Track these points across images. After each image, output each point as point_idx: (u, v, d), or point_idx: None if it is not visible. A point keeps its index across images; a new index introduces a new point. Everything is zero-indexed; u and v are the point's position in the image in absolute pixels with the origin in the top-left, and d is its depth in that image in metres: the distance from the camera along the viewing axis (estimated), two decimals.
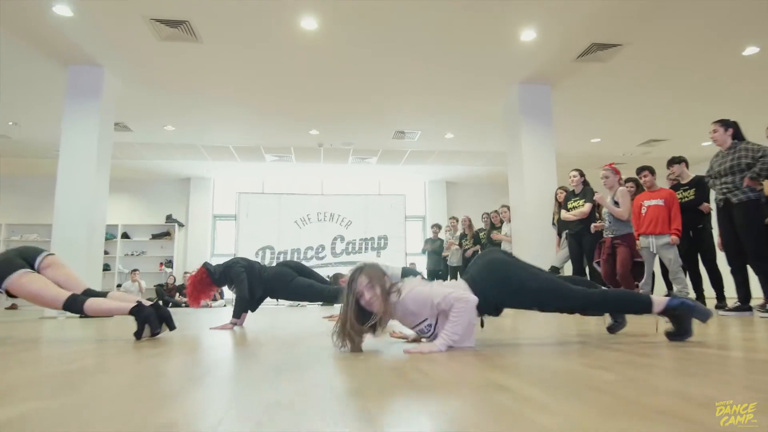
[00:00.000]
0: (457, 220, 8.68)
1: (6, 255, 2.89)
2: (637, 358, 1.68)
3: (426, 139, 9.38)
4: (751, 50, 6.03)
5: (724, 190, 4.13)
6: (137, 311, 2.66)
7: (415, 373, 1.41)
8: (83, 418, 0.96)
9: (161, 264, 11.67)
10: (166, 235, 11.78)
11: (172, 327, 2.75)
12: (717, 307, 4.83)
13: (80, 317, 5.03)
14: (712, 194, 4.84)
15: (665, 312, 2.10)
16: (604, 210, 5.44)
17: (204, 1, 4.83)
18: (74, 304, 2.73)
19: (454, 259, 8.44)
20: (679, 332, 2.09)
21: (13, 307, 10.39)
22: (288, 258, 10.32)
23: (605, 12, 5.16)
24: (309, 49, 5.84)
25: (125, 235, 11.55)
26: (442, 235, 9.18)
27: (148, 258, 11.63)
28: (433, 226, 9.47)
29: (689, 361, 1.61)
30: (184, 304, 10.10)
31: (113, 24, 5.27)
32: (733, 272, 4.28)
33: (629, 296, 2.33)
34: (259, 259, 10.26)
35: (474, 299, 1.99)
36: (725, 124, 4.24)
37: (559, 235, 6.36)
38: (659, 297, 2.14)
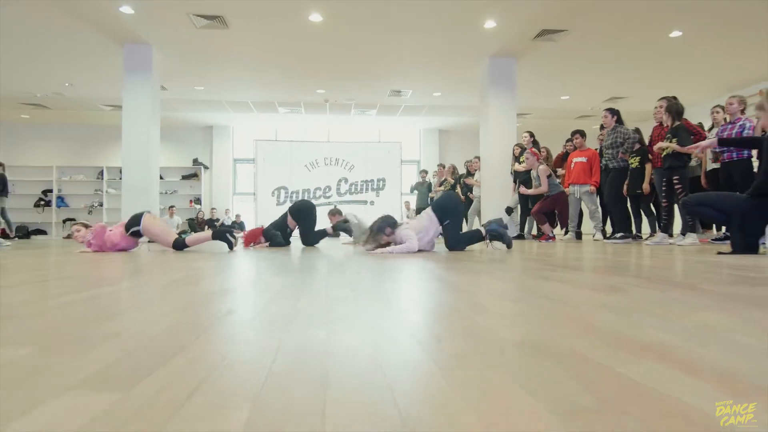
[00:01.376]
0: (444, 167, 10.33)
1: (133, 215, 4.59)
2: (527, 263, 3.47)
3: (417, 96, 10.88)
4: (675, 33, 7.41)
5: (607, 159, 5.79)
6: (218, 236, 4.46)
7: (392, 271, 3.20)
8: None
9: (191, 201, 13.57)
10: (194, 176, 13.60)
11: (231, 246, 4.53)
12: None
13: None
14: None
15: (490, 237, 3.97)
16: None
17: (236, 1, 6.33)
18: (179, 243, 4.47)
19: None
20: (506, 245, 3.99)
21: (69, 236, 12.45)
22: (300, 197, 12.12)
23: (550, 5, 6.53)
24: (317, 29, 7.31)
25: (160, 177, 13.36)
26: (429, 178, 10.90)
27: (180, 196, 13.52)
28: (421, 171, 11.16)
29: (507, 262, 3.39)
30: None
31: (163, 18, 6.79)
32: (612, 211, 6.10)
33: (472, 235, 4.20)
34: (274, 198, 12.13)
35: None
36: (612, 112, 5.84)
37: (515, 182, 8.06)
38: (485, 230, 4.05)
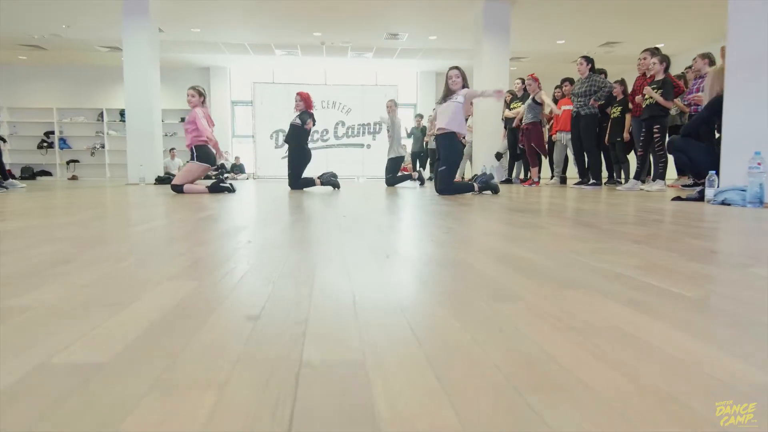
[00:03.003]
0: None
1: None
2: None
3: (413, 39, 10.90)
4: None
5: (578, 106, 6.07)
6: (214, 190, 4.85)
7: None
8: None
9: None
10: None
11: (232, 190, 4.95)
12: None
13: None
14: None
15: (480, 189, 4.37)
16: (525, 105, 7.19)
17: None
18: (177, 187, 4.85)
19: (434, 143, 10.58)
20: (493, 192, 4.37)
21: (74, 177, 12.82)
22: None
23: None
24: None
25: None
26: (424, 122, 11.14)
27: (180, 138, 13.68)
28: (416, 116, 11.38)
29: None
30: (214, 177, 12.41)
31: None
32: (576, 159, 6.43)
33: (464, 186, 4.57)
34: (272, 141, 12.40)
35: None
36: (587, 60, 6.05)
37: (505, 128, 8.35)
38: (475, 184, 4.43)
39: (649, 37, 10.53)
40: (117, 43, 9.60)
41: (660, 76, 4.93)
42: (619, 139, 6.98)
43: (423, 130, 10.98)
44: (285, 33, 10.46)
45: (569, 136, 7.34)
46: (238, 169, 13.27)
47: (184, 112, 13.81)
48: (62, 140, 13.32)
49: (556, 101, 7.88)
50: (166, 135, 13.63)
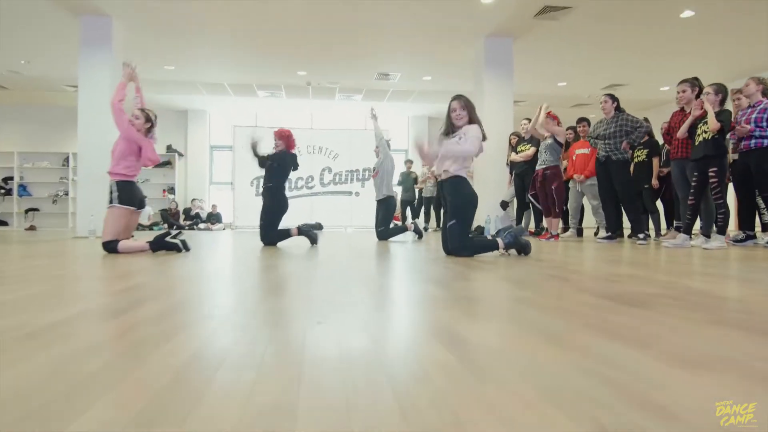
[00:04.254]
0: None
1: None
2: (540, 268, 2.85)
3: (406, 80, 10.19)
4: (687, 13, 6.82)
5: (608, 150, 5.17)
6: (157, 246, 3.74)
7: None
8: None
9: (164, 191, 12.76)
10: (167, 164, 12.76)
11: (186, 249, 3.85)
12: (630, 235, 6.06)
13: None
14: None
15: (506, 247, 3.34)
16: (542, 145, 6.18)
17: None
18: (110, 246, 3.68)
19: (428, 191, 9.62)
20: (524, 252, 3.34)
21: (32, 228, 11.61)
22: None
23: None
24: (298, 1, 6.57)
25: None
26: (415, 168, 10.26)
27: (152, 185, 12.68)
28: (406, 161, 10.53)
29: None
30: (187, 227, 11.30)
31: None
32: (604, 209, 5.47)
33: (485, 244, 3.54)
34: (253, 188, 11.40)
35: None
36: (612, 98, 5.22)
37: (511, 173, 7.45)
38: (500, 240, 3.42)
39: (654, 79, 9.96)
40: None
41: (715, 108, 4.06)
42: (646, 186, 6.11)
43: (414, 179, 10.08)
44: (268, 72, 9.68)
45: (587, 182, 6.46)
46: (214, 218, 12.19)
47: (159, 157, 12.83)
48: (22, 187, 12.17)
49: (568, 145, 7.03)
50: (137, 182, 12.59)
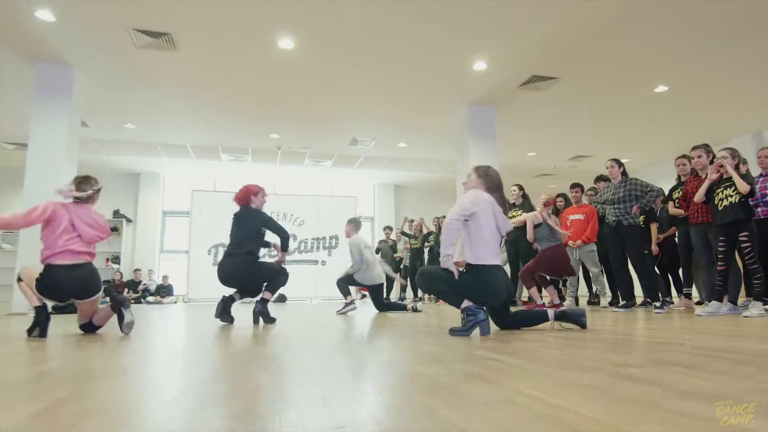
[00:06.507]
0: (412, 221, 9.28)
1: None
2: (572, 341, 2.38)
3: (380, 146, 10.01)
4: (661, 88, 7.14)
5: (617, 214, 5.01)
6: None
7: None
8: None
9: (107, 260, 11.53)
10: (113, 230, 11.61)
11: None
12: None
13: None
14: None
15: (557, 318, 3.02)
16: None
17: (189, 15, 5.16)
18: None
19: (407, 260, 9.20)
20: (579, 325, 3.00)
21: None
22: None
23: (546, 49, 5.98)
24: (276, 61, 6.26)
25: None
26: (393, 236, 9.84)
27: (96, 254, 11.41)
28: (385, 228, 10.11)
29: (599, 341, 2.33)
30: (132, 300, 10.11)
31: (93, 31, 5.46)
32: (618, 275, 5.21)
33: (534, 316, 3.14)
34: (211, 257, 10.50)
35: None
36: (619, 162, 5.17)
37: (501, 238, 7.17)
38: (551, 311, 3.09)
39: (616, 151, 10.30)
40: (26, 140, 7.77)
41: (733, 173, 3.99)
42: (646, 252, 5.98)
43: (393, 246, 9.65)
44: (237, 135, 9.19)
45: (585, 249, 6.27)
46: (165, 291, 11.06)
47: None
48: None
49: (558, 212, 6.90)
50: None
